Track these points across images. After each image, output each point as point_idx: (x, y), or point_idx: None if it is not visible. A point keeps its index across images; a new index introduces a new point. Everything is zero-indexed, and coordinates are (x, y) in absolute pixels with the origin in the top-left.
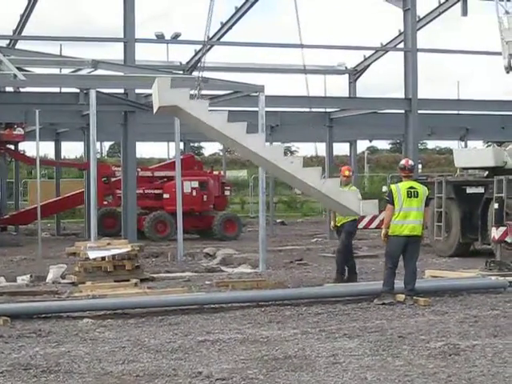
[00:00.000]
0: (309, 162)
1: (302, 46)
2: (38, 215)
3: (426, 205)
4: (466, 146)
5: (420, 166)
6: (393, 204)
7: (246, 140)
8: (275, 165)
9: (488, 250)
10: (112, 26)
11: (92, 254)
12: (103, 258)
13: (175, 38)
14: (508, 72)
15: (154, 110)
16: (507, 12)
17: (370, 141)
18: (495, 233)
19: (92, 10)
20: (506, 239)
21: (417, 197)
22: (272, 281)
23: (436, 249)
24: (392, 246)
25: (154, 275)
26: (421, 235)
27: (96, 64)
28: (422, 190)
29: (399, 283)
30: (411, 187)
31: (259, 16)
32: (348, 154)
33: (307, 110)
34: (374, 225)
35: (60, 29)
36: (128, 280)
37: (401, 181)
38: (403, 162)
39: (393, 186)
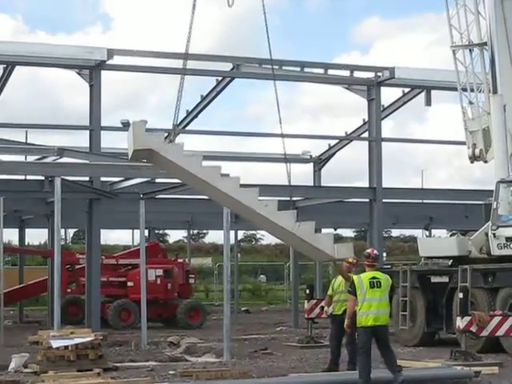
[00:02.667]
0: (273, 249)
1: (282, 135)
2: (0, 303)
3: (393, 291)
4: (430, 234)
5: (384, 254)
6: (355, 295)
7: (221, 183)
8: (249, 208)
9: (453, 339)
10: (80, 113)
11: (55, 343)
12: (66, 347)
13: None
14: (472, 162)
15: (129, 155)
16: (471, 102)
17: (335, 229)
18: (460, 322)
19: (59, 98)
20: (471, 329)
21: (380, 287)
22: (236, 371)
23: (401, 338)
24: (361, 337)
25: (118, 364)
26: (386, 324)
27: (61, 152)
28: (385, 280)
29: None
30: (374, 277)
31: (224, 105)
32: None
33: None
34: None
35: (26, 116)
36: (91, 369)
37: (364, 271)
38: (368, 250)
39: (355, 277)
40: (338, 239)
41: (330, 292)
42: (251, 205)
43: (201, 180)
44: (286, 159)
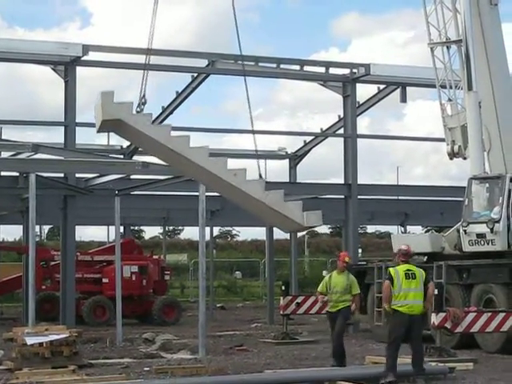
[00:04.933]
0: (249, 245)
1: (253, 132)
2: None
3: (426, 285)
4: (405, 230)
5: (360, 250)
6: (392, 282)
7: (190, 152)
8: (218, 177)
9: (428, 335)
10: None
11: (29, 340)
12: (41, 344)
13: None
14: (451, 158)
15: (97, 126)
16: (450, 99)
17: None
18: (435, 319)
19: (35, 94)
20: (446, 325)
21: (414, 278)
22: (212, 367)
23: (376, 334)
24: (394, 324)
25: (93, 361)
26: (420, 314)
27: (36, 148)
28: (419, 272)
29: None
30: (408, 269)
31: (200, 102)
32: (288, 238)
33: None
34: (314, 310)
35: (1, 111)
36: (66, 366)
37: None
38: (405, 247)
39: (391, 269)
40: (314, 235)
41: (321, 289)
42: (220, 174)
43: (170, 150)
44: (258, 155)
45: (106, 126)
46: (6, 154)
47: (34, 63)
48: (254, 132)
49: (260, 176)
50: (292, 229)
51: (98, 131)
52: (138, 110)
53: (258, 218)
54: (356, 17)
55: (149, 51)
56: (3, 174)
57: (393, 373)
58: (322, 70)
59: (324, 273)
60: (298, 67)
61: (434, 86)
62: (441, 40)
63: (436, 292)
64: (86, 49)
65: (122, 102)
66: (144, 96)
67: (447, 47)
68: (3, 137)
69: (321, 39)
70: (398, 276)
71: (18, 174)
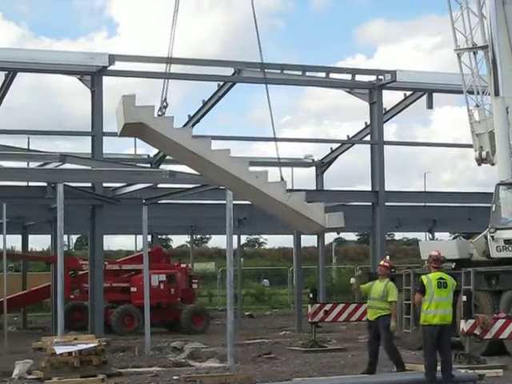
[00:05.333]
0: (276, 253)
1: (275, 139)
2: (3, 309)
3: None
4: (433, 237)
5: (387, 257)
6: (423, 294)
7: (212, 155)
8: (240, 179)
9: (457, 342)
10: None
11: (59, 349)
12: (70, 353)
13: None
14: (479, 164)
15: (119, 130)
16: (477, 105)
17: (338, 233)
18: (464, 325)
19: (62, 104)
20: (475, 332)
21: (446, 287)
22: (240, 375)
23: (405, 341)
24: (426, 335)
25: (122, 370)
26: (450, 324)
27: (64, 158)
28: (451, 281)
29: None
30: (441, 278)
31: (226, 110)
32: (316, 246)
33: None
34: (342, 318)
35: (28, 121)
36: (95, 375)
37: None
38: (436, 253)
39: (423, 277)
40: (341, 243)
41: (363, 288)
42: (242, 176)
43: (191, 153)
44: (281, 163)
45: (128, 129)
46: (34, 165)
47: (60, 74)
48: (276, 140)
49: (282, 179)
50: (314, 230)
51: (120, 135)
52: (160, 113)
53: (281, 221)
54: (382, 23)
55: (169, 59)
56: (31, 184)
57: (434, 380)
58: (348, 77)
59: (352, 280)
60: (323, 74)
61: (461, 92)
62: (467, 46)
63: (464, 298)
64: (112, 59)
65: (144, 106)
66: (165, 99)
67: (474, 53)
68: (31, 147)
69: (347, 46)
70: (431, 284)
71: (46, 184)
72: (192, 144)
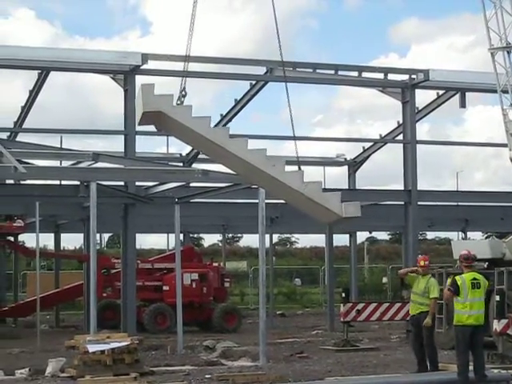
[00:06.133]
0: (308, 252)
1: (295, 137)
2: (37, 307)
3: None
4: (465, 237)
5: (420, 256)
6: (457, 294)
7: (229, 143)
8: (257, 168)
9: (490, 342)
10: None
11: (91, 348)
12: (102, 352)
13: None
14: None
15: (138, 119)
16: None
17: (370, 232)
18: (497, 325)
19: (95, 103)
20: (508, 331)
21: (479, 288)
22: (272, 374)
23: (437, 341)
24: (459, 335)
25: (154, 369)
26: (483, 324)
27: (96, 157)
28: (483, 281)
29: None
30: (474, 278)
31: (258, 109)
32: (348, 245)
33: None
34: (374, 317)
35: (61, 120)
36: (127, 374)
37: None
38: (465, 252)
39: (457, 278)
40: (373, 242)
41: (408, 279)
42: (259, 165)
43: (209, 141)
44: (299, 162)
45: (147, 118)
46: (67, 163)
47: (93, 72)
48: (295, 138)
49: (299, 168)
50: (331, 220)
51: (139, 124)
52: (179, 102)
53: (296, 208)
54: (415, 22)
55: (187, 58)
56: (64, 182)
57: (467, 379)
58: (380, 76)
59: (384, 279)
60: (356, 73)
61: (494, 91)
62: (501, 45)
63: (498, 298)
64: (145, 57)
65: (163, 95)
66: (184, 89)
67: (508, 52)
68: (64, 146)
69: (380, 45)
70: (465, 285)
71: (78, 182)
72: (210, 132)
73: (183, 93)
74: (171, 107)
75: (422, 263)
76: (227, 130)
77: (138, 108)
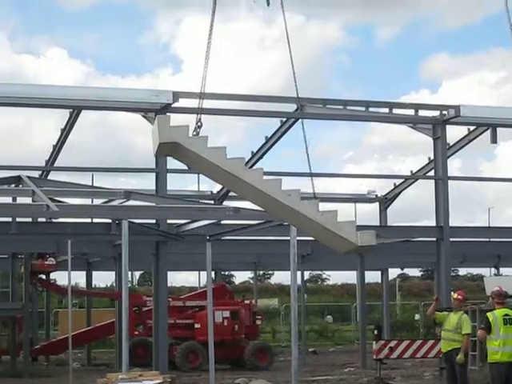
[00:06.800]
0: (339, 289)
1: (311, 174)
2: (69, 345)
3: None
4: (498, 273)
5: (452, 293)
6: (489, 331)
7: (245, 174)
8: (274, 198)
9: None
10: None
11: None
12: None
13: None
14: None
15: (154, 150)
16: None
17: (402, 268)
18: None
19: (126, 140)
20: None
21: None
22: None
23: (471, 378)
24: (494, 373)
25: None
26: None
27: (128, 195)
28: None
29: None
30: (506, 314)
31: (289, 146)
32: (379, 282)
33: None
34: (407, 354)
35: (92, 158)
36: None
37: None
38: (497, 288)
39: (489, 314)
40: (405, 278)
41: (439, 315)
42: (275, 195)
43: (226, 172)
44: (315, 194)
45: (164, 149)
46: (98, 201)
47: (124, 111)
48: (311, 175)
49: (315, 197)
50: (347, 249)
51: (156, 154)
52: (195, 133)
53: (315, 239)
54: (446, 57)
55: (202, 94)
56: (96, 220)
57: None
58: (411, 112)
59: (416, 316)
60: (386, 110)
61: None
62: None
63: None
64: (176, 96)
65: (178, 126)
66: (200, 120)
67: None
68: (95, 184)
69: (411, 81)
70: (497, 321)
71: (110, 220)
72: (225, 163)
73: (199, 124)
74: (187, 138)
75: (455, 295)
76: (243, 161)
77: (154, 139)
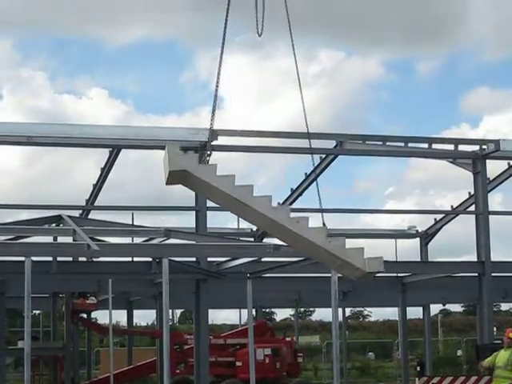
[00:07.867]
0: (381, 326)
1: (321, 210)
2: None
3: None
4: None
5: (495, 329)
6: None
7: (254, 201)
8: (282, 225)
9: None
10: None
11: None
12: None
13: None
14: None
15: (165, 179)
16: None
17: (444, 304)
18: None
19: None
20: None
21: None
22: None
23: None
24: None
25: None
26: None
27: (168, 233)
28: None
29: None
30: None
31: (329, 183)
32: (421, 318)
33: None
34: None
35: (132, 197)
36: None
37: None
38: None
39: None
40: (447, 314)
41: (488, 362)
42: (284, 222)
43: (234, 199)
44: (323, 216)
45: (174, 177)
46: (139, 240)
47: (163, 149)
48: (322, 211)
49: (323, 224)
50: (355, 276)
51: (167, 183)
52: (204, 161)
53: (324, 266)
54: (487, 91)
55: (211, 131)
56: (136, 259)
57: None
58: (450, 147)
59: (459, 352)
60: (426, 145)
61: None
62: None
63: None
64: (215, 134)
65: (187, 154)
66: (210, 147)
67: None
68: (136, 223)
69: (452, 115)
70: None
71: (150, 259)
72: (234, 190)
73: (208, 152)
74: (196, 166)
75: (510, 335)
76: (251, 188)
77: (164, 168)
